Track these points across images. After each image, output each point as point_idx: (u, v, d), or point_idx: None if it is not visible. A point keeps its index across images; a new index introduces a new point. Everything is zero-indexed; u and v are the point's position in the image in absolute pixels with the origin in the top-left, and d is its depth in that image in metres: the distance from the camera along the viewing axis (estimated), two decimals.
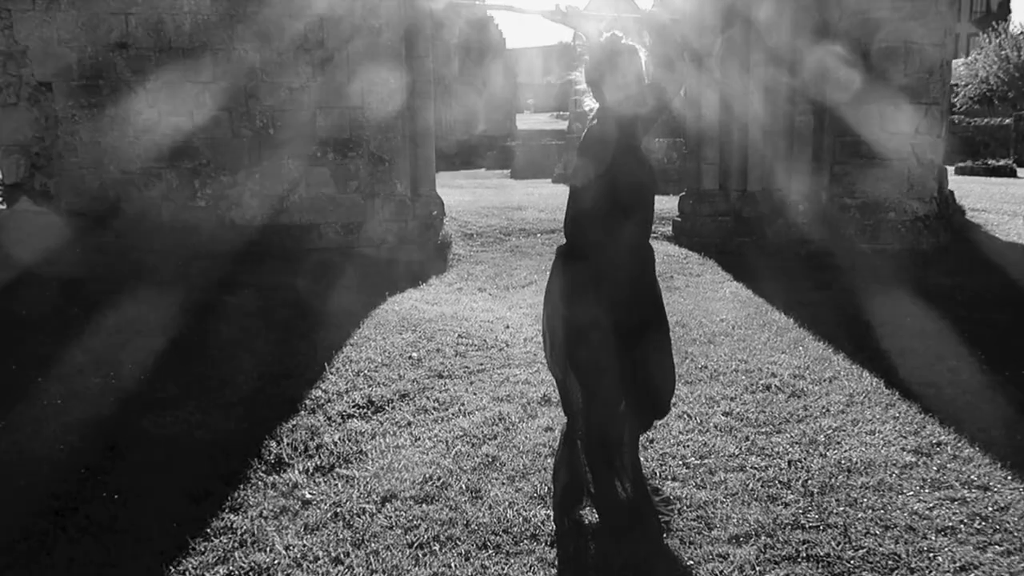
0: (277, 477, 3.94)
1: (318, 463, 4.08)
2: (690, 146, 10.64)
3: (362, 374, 5.18)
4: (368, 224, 9.35)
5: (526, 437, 4.25)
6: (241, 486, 3.86)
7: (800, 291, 7.20)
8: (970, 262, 8.16)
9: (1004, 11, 55.39)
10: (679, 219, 10.36)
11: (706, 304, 7.02)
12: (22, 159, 9.06)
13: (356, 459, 4.11)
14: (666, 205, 11.12)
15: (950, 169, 19.51)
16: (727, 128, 9.87)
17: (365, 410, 4.70)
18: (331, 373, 5.17)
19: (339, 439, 4.31)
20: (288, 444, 4.25)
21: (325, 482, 3.88)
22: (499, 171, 24.53)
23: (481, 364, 5.47)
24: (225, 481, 3.90)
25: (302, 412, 4.64)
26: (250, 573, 3.17)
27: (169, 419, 4.56)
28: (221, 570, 3.20)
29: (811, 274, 7.84)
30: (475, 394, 4.91)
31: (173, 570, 3.20)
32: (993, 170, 18.74)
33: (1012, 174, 18.79)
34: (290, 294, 7.18)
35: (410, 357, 5.51)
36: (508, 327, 6.34)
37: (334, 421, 4.54)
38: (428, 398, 4.87)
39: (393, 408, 4.74)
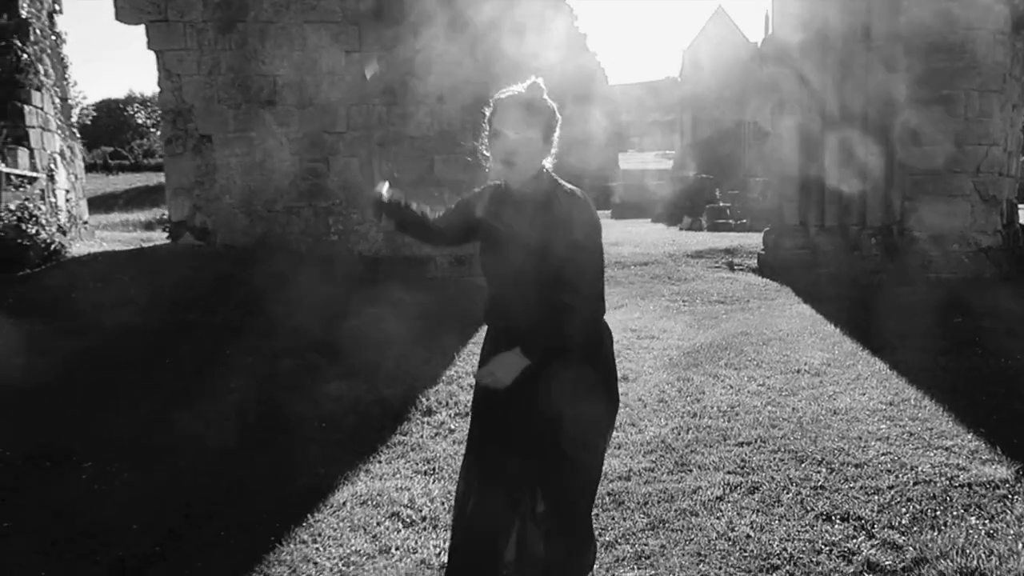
0: (429, 418, 6.29)
1: (457, 411, 6.41)
2: (775, 185, 12.77)
3: None
4: (475, 257, 11.77)
5: None
6: (406, 422, 6.21)
7: (856, 310, 9.22)
8: None
9: None
10: (763, 252, 12.46)
11: (771, 320, 9.13)
12: (186, 200, 11.91)
13: None
14: (754, 240, 13.24)
15: None
16: (806, 167, 11.97)
17: None
18: (459, 360, 7.53)
19: (470, 398, 6.62)
20: (435, 400, 6.60)
21: (463, 421, 6.20)
22: (599, 211, 26.85)
23: None
24: (395, 419, 6.26)
25: (441, 383, 6.99)
26: (418, 462, 5.49)
27: (346, 386, 6.97)
28: (401, 461, 5.53)
29: (872, 297, 9.83)
30: None
31: (372, 459, 5.54)
32: None
33: None
34: (414, 309, 9.61)
35: None
36: None
37: (465, 388, 6.87)
38: None
39: None
